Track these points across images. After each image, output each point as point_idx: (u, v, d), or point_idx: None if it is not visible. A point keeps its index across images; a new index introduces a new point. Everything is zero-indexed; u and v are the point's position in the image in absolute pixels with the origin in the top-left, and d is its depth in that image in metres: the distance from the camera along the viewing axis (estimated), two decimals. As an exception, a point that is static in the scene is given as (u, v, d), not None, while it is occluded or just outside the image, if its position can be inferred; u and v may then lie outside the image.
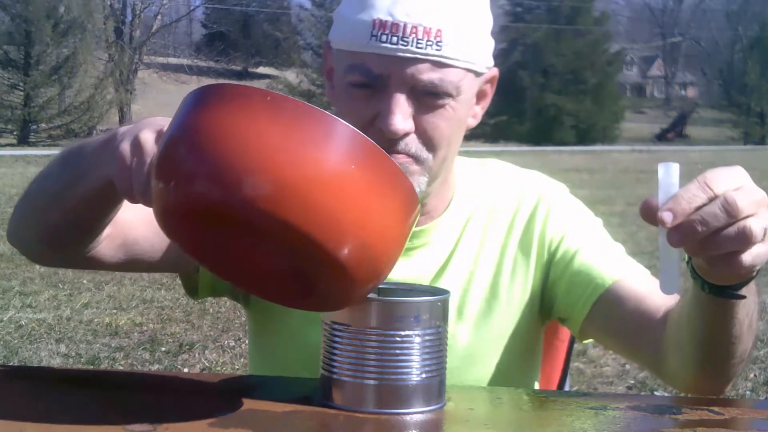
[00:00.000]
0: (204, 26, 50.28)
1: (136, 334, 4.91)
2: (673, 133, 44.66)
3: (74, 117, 30.72)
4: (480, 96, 1.29)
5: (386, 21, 1.16)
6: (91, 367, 4.24)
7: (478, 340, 1.28)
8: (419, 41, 1.16)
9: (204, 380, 1.10)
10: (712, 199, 0.87)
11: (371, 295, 1.02)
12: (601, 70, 42.83)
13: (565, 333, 1.55)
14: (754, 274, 0.95)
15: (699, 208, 0.87)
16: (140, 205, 1.20)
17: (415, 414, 0.94)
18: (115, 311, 5.36)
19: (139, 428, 0.88)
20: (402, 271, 1.29)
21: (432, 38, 1.16)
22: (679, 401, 1.06)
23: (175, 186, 0.85)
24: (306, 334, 1.27)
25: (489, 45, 1.26)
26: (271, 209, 0.81)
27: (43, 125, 30.59)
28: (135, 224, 1.23)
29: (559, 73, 41.41)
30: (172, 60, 43.70)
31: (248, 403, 0.97)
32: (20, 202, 1.26)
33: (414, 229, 1.28)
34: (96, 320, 5.15)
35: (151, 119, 1.01)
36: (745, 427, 0.98)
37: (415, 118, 1.19)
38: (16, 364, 4.20)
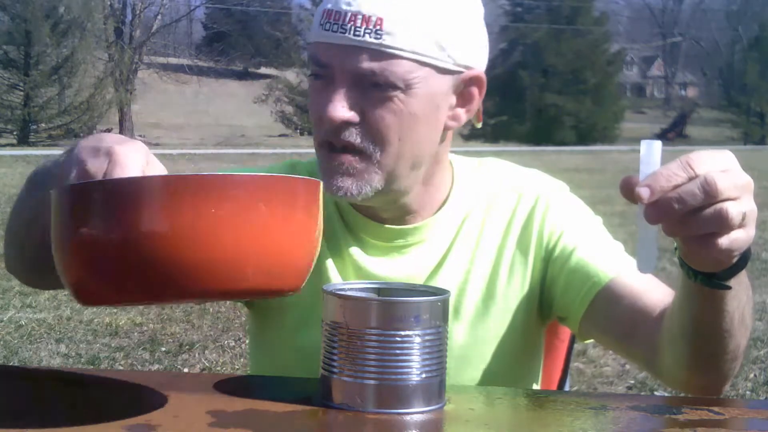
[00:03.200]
0: (204, 26, 50.30)
1: (136, 334, 4.91)
2: (673, 133, 44.62)
3: (74, 117, 30.73)
4: (464, 98, 1.25)
5: (332, 10, 1.18)
6: (91, 367, 4.24)
7: (474, 340, 1.27)
8: (357, 29, 1.16)
9: (204, 380, 1.10)
10: (692, 179, 0.86)
11: (371, 295, 1.02)
12: (601, 70, 42.81)
13: (565, 333, 1.55)
14: (735, 260, 0.95)
15: (678, 186, 0.86)
16: None
17: (415, 414, 0.94)
18: (115, 311, 5.35)
19: (138, 428, 0.87)
20: (397, 269, 1.29)
21: (371, 26, 1.16)
22: (679, 401, 1.06)
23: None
24: (300, 336, 1.28)
25: (463, 42, 1.22)
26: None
27: (43, 125, 30.60)
28: None
29: (559, 73, 41.39)
30: (172, 60, 43.69)
31: (248, 403, 0.97)
32: (5, 232, 1.22)
33: (409, 226, 1.29)
34: (96, 320, 5.15)
35: (105, 136, 0.99)
36: (745, 427, 0.98)
37: (361, 111, 1.18)
38: (16, 364, 4.21)
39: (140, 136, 33.73)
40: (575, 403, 1.06)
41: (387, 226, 1.29)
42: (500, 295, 1.29)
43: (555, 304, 1.30)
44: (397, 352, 0.93)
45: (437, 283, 1.26)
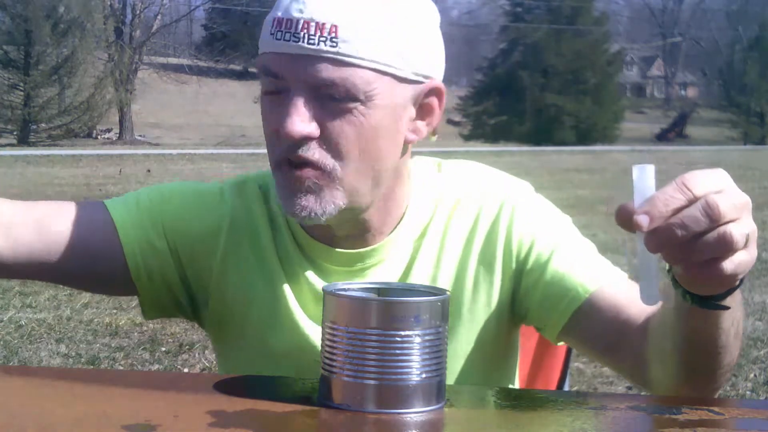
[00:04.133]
0: (204, 26, 50.29)
1: (136, 334, 4.91)
2: (673, 133, 44.64)
3: (74, 117, 30.76)
4: (424, 110, 1.19)
5: (282, 18, 1.11)
6: (91, 367, 4.24)
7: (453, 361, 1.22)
8: (311, 37, 1.09)
9: (204, 380, 1.10)
10: (691, 202, 0.83)
11: (371, 295, 1.02)
12: (601, 70, 42.82)
13: None
14: (738, 283, 0.93)
15: (677, 210, 0.83)
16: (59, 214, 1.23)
17: (415, 414, 0.94)
18: (115, 311, 5.35)
19: (138, 428, 0.87)
20: None
21: (326, 34, 1.09)
22: (679, 401, 1.06)
23: None
24: (265, 341, 1.25)
25: (422, 51, 1.16)
26: None
27: (43, 125, 30.62)
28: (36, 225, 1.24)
29: (559, 73, 41.41)
30: (172, 60, 43.69)
31: (248, 403, 0.97)
32: None
33: (366, 249, 1.24)
34: (96, 320, 5.15)
35: None
36: (745, 427, 0.98)
37: (320, 124, 1.12)
38: (16, 364, 4.20)
39: (140, 136, 33.76)
40: (575, 403, 1.06)
41: (342, 250, 1.24)
42: (465, 312, 1.24)
43: (530, 315, 1.25)
44: (397, 352, 0.93)
45: None
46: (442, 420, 0.96)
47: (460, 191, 1.27)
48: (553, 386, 1.56)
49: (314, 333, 1.23)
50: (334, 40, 1.09)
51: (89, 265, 1.24)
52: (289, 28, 1.11)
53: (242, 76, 48.43)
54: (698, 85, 61.56)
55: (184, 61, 43.84)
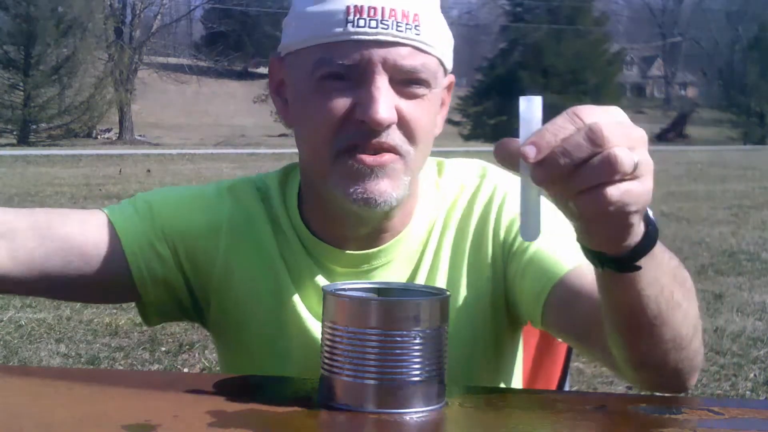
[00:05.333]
0: (204, 26, 50.30)
1: (136, 334, 4.91)
2: (673, 133, 44.63)
3: (74, 117, 30.76)
4: (442, 103, 1.22)
5: (361, 5, 1.11)
6: (91, 367, 4.24)
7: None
8: (399, 24, 1.11)
9: (204, 380, 1.10)
10: (581, 131, 0.79)
11: (371, 295, 1.02)
12: (601, 70, 42.82)
13: None
14: (646, 242, 0.87)
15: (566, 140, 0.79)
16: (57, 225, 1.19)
17: (415, 414, 0.94)
18: (115, 311, 5.35)
19: (138, 428, 0.87)
20: None
21: (411, 22, 1.12)
22: (679, 401, 1.06)
23: None
24: (271, 343, 1.25)
25: (452, 45, 1.21)
26: None
27: (43, 125, 30.62)
28: (42, 240, 1.21)
29: (559, 73, 41.39)
30: (172, 60, 43.70)
31: (248, 403, 0.97)
32: None
33: (373, 249, 1.23)
34: (96, 320, 5.15)
35: None
36: (745, 427, 0.98)
37: (397, 109, 1.13)
38: (16, 364, 4.20)
39: (140, 136, 33.76)
40: (575, 403, 1.06)
41: (351, 252, 1.24)
42: (462, 309, 1.23)
43: (519, 303, 1.23)
44: (397, 352, 0.93)
45: None
46: (442, 420, 0.96)
47: (459, 190, 1.28)
48: (553, 386, 1.56)
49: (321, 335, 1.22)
50: (418, 28, 1.12)
51: (91, 272, 1.23)
52: (374, 15, 1.11)
53: (242, 76, 48.45)
54: (698, 85, 61.57)
55: (184, 61, 43.86)
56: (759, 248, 8.13)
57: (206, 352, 4.55)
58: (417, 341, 0.93)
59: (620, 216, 0.83)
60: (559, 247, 1.18)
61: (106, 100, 32.17)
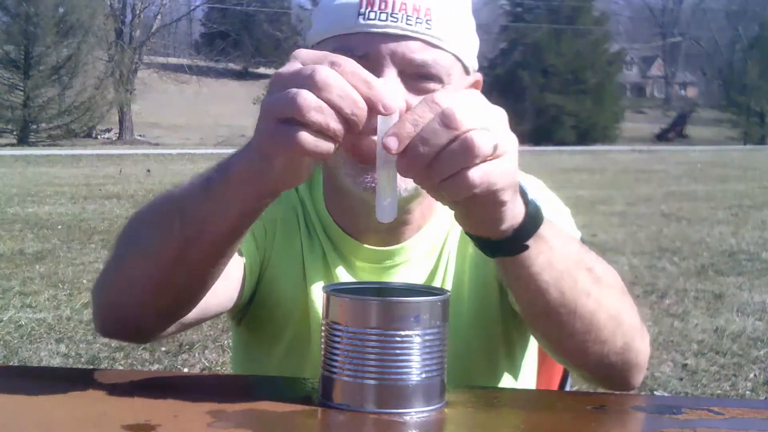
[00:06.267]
0: (204, 26, 50.31)
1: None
2: (673, 133, 44.65)
3: (74, 117, 30.77)
4: None
5: None
6: (91, 367, 4.24)
7: (469, 350, 1.23)
8: (409, 18, 1.11)
9: (204, 380, 1.10)
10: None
11: (371, 295, 1.02)
12: (601, 70, 42.83)
13: None
14: (509, 203, 0.87)
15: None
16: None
17: (415, 414, 0.94)
18: (115, 311, 5.35)
19: (138, 428, 0.87)
20: None
21: (422, 16, 1.12)
22: (679, 401, 1.06)
23: None
24: (286, 366, 1.24)
25: (475, 45, 1.21)
26: None
27: (43, 125, 30.62)
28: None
29: (559, 73, 41.40)
30: (172, 60, 43.72)
31: (248, 403, 0.97)
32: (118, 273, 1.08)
33: (395, 246, 1.23)
34: (96, 320, 5.15)
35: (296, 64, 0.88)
36: (745, 427, 0.98)
37: (407, 104, 1.14)
38: (16, 364, 4.20)
39: (140, 136, 33.76)
40: (575, 403, 1.06)
41: (372, 247, 1.24)
42: (492, 304, 1.24)
43: None
44: (397, 352, 0.93)
45: None
46: (442, 420, 0.95)
47: None
48: (553, 386, 1.56)
49: None
50: (429, 22, 1.12)
51: (240, 274, 1.20)
52: (384, 8, 1.12)
53: (242, 76, 48.43)
54: (698, 85, 61.60)
55: (184, 61, 43.87)
56: (759, 248, 8.13)
57: (206, 352, 4.55)
58: (417, 341, 0.93)
59: (488, 197, 0.85)
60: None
61: (106, 101, 32.18)
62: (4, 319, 5.12)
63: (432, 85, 1.13)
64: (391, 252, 1.25)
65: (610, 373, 1.08)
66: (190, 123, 38.46)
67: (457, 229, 1.26)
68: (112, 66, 33.74)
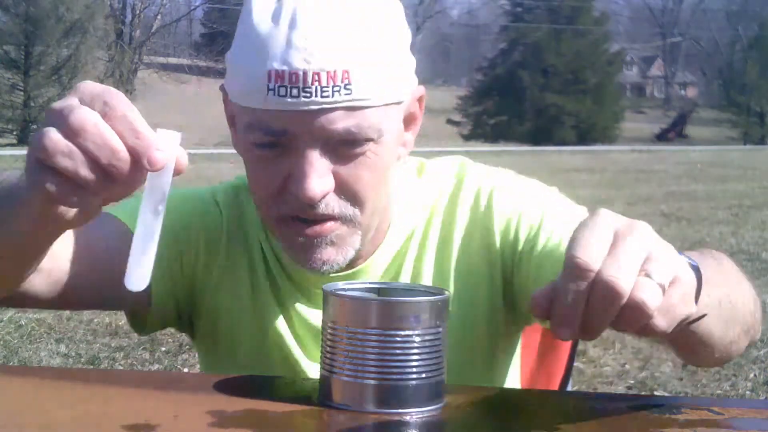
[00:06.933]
0: (204, 26, 50.28)
1: (136, 334, 4.91)
2: (673, 133, 44.63)
3: (74, 117, 30.72)
4: (408, 121, 1.15)
5: (283, 71, 1.01)
6: (91, 367, 4.24)
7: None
8: (324, 89, 1.00)
9: (204, 380, 1.10)
10: (594, 282, 0.76)
11: (371, 295, 1.02)
12: (601, 70, 42.81)
13: None
14: (690, 309, 0.84)
15: (586, 301, 0.76)
16: (74, 239, 1.07)
17: (415, 414, 0.94)
18: (115, 311, 5.35)
19: (138, 428, 0.87)
20: None
21: (339, 83, 1.01)
22: (679, 401, 1.06)
23: None
24: (254, 370, 1.21)
25: (409, 65, 1.11)
26: None
27: (43, 125, 30.58)
28: (69, 258, 1.10)
29: (559, 73, 41.38)
30: (172, 60, 43.72)
31: (248, 403, 0.97)
32: None
33: (354, 269, 1.17)
34: (96, 320, 5.15)
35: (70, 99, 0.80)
36: (745, 427, 0.98)
37: (335, 174, 1.05)
38: (16, 364, 4.20)
39: (140, 136, 33.73)
40: (575, 403, 1.06)
41: (332, 275, 1.16)
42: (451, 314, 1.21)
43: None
44: (397, 352, 0.93)
45: None
46: (442, 420, 0.95)
47: (438, 194, 1.23)
48: (555, 385, 1.56)
49: (306, 364, 1.20)
50: (348, 87, 1.02)
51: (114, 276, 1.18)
52: (295, 82, 1.01)
53: (242, 76, 48.36)
54: (698, 85, 61.61)
55: (184, 61, 43.86)
56: (759, 248, 8.14)
57: (206, 352, 4.56)
58: (417, 341, 0.93)
59: (675, 321, 0.82)
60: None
61: (106, 101, 32.14)
62: (4, 319, 5.11)
63: (359, 149, 1.05)
64: (348, 277, 1.18)
65: (727, 360, 1.10)
66: (189, 123, 38.48)
67: (418, 239, 1.22)
68: (112, 66, 33.74)
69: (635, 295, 0.76)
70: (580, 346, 4.53)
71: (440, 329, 0.96)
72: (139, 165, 0.78)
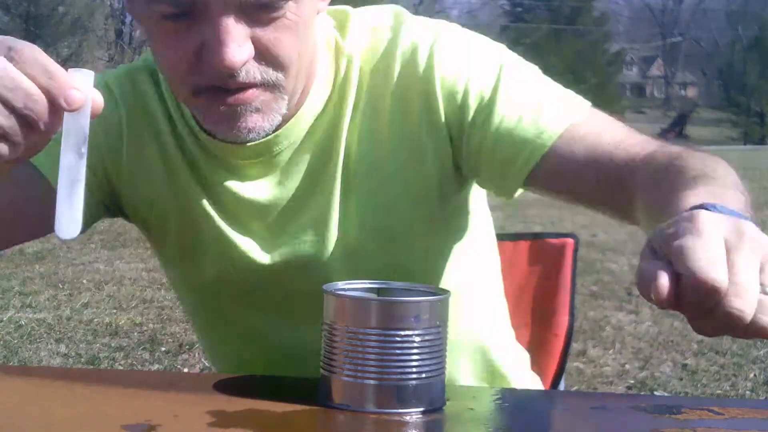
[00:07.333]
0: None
1: (136, 334, 4.91)
2: (673, 133, 44.64)
3: (74, 117, 30.79)
4: None
5: None
6: (91, 367, 4.24)
7: (370, 230, 1.14)
8: None
9: (204, 380, 1.10)
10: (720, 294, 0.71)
11: (371, 295, 1.02)
12: (601, 70, 42.84)
13: (560, 328, 1.52)
14: None
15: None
16: None
17: (415, 414, 0.94)
18: (115, 311, 5.35)
19: (138, 428, 0.87)
20: (270, 190, 1.14)
21: None
22: (679, 401, 1.06)
23: None
24: (189, 246, 1.19)
25: None
26: None
27: (43, 125, 30.64)
28: None
29: (559, 73, 41.26)
30: (172, 60, 43.70)
31: (248, 403, 0.97)
32: None
33: (274, 134, 1.10)
34: (96, 320, 5.15)
35: None
36: (745, 427, 0.98)
37: (254, 39, 0.99)
38: (16, 364, 4.20)
39: (140, 136, 33.80)
40: (575, 403, 1.06)
41: (252, 144, 1.11)
42: (394, 176, 1.13)
43: (482, 174, 1.13)
44: (397, 352, 0.93)
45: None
46: (442, 420, 0.95)
47: (367, 48, 1.15)
48: (547, 383, 1.55)
49: (240, 239, 1.17)
50: None
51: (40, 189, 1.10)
52: None
53: (242, 76, 48.36)
54: (698, 85, 61.57)
55: (184, 61, 43.86)
56: (759, 248, 8.11)
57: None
58: (417, 341, 0.93)
59: None
60: (544, 110, 1.08)
61: (106, 100, 32.20)
62: (4, 319, 5.11)
63: (277, 12, 0.99)
64: (272, 141, 1.13)
65: None
66: (190, 123, 38.50)
67: (352, 99, 1.14)
68: (112, 66, 33.76)
69: (759, 318, 0.72)
70: (580, 346, 4.54)
71: (440, 329, 0.96)
72: (56, 107, 0.76)
